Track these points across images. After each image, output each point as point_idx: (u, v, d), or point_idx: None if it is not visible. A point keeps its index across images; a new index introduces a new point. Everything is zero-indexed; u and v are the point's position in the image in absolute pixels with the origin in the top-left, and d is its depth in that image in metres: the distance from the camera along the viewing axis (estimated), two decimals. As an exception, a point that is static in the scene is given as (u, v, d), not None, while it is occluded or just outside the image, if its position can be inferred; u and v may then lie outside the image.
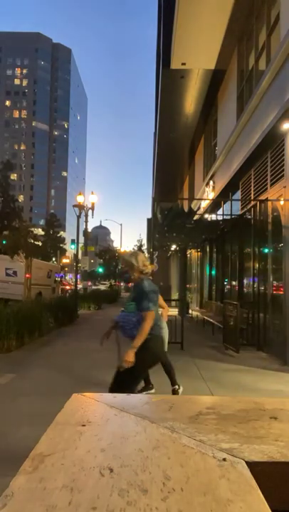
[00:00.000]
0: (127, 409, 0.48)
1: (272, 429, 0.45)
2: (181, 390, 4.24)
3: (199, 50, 9.94)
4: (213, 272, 13.12)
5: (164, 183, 21.91)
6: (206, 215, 12.15)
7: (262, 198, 7.62)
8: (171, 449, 0.38)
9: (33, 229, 17.56)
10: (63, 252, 57.18)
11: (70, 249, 52.61)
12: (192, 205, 14.89)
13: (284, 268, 6.29)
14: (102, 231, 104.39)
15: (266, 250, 7.51)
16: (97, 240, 40.70)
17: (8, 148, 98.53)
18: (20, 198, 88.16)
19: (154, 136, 21.04)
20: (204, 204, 13.66)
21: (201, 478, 0.33)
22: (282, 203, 6.53)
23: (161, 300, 4.31)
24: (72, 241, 28.12)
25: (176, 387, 4.24)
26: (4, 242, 15.75)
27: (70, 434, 0.41)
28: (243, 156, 8.40)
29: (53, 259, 46.87)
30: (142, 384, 4.39)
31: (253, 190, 8.42)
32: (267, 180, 7.42)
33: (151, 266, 2.97)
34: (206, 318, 10.73)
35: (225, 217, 10.29)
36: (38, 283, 16.86)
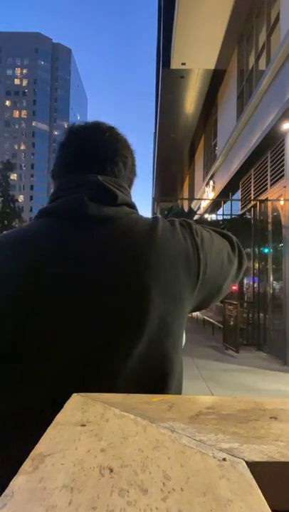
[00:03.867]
0: (127, 409, 0.48)
1: (272, 429, 0.45)
2: None
3: (199, 50, 9.94)
4: (213, 272, 13.11)
5: (164, 183, 21.91)
6: (206, 215, 12.15)
7: (262, 198, 7.62)
8: (171, 449, 0.38)
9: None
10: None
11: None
12: (192, 205, 14.90)
13: (284, 268, 6.29)
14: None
15: (266, 250, 7.51)
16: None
17: (8, 148, 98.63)
18: (20, 198, 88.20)
19: (154, 136, 21.04)
20: (204, 204, 13.67)
21: (201, 478, 0.33)
22: (282, 203, 6.54)
23: None
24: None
25: None
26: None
27: (70, 434, 0.41)
28: (243, 156, 8.41)
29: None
30: None
31: (253, 190, 8.43)
32: (267, 180, 7.42)
33: None
34: (206, 318, 10.73)
35: (225, 217, 10.29)
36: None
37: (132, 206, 0.73)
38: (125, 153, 0.78)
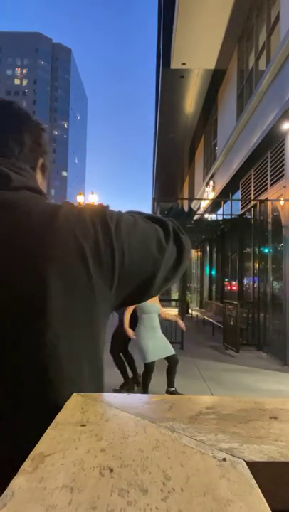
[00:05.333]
0: (127, 409, 0.48)
1: (272, 429, 0.45)
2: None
3: (199, 50, 9.95)
4: (213, 272, 13.12)
5: (164, 183, 21.92)
6: (206, 215, 12.16)
7: (262, 198, 7.62)
8: (171, 448, 0.38)
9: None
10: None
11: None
12: (192, 205, 14.90)
13: (284, 268, 6.29)
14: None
15: (266, 250, 7.51)
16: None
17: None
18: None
19: (154, 136, 21.05)
20: (204, 204, 13.67)
21: (201, 478, 0.33)
22: (282, 203, 6.54)
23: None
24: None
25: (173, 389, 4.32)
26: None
27: (70, 434, 0.41)
28: (243, 156, 8.41)
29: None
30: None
31: (253, 190, 8.43)
32: (267, 180, 7.42)
33: None
34: (206, 318, 10.73)
35: (225, 217, 10.30)
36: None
37: (37, 191, 0.65)
38: (21, 131, 0.69)
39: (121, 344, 4.60)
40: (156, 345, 4.15)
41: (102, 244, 0.59)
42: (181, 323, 4.80)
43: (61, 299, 0.55)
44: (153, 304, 4.27)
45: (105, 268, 0.59)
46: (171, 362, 4.27)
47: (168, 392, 4.26)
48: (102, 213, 0.63)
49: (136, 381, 4.63)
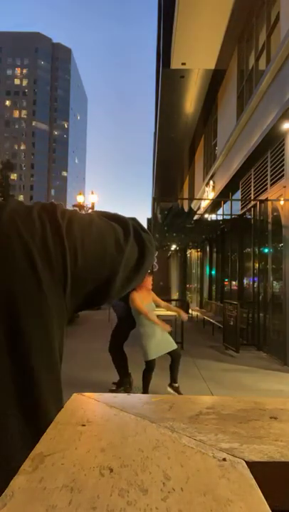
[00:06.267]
0: (127, 409, 0.48)
1: (272, 429, 0.45)
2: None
3: (199, 50, 9.94)
4: (213, 272, 13.12)
5: (164, 183, 21.92)
6: (206, 215, 12.16)
7: (262, 198, 7.62)
8: (171, 448, 0.38)
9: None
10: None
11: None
12: (192, 205, 14.90)
13: (284, 268, 6.29)
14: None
15: (266, 250, 7.51)
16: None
17: (8, 148, 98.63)
18: (20, 198, 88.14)
19: (154, 136, 21.05)
20: (204, 204, 13.67)
21: (201, 478, 0.33)
22: (282, 203, 6.54)
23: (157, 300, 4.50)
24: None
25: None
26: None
27: (70, 434, 0.41)
28: (243, 156, 8.41)
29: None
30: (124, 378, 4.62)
31: (253, 190, 8.43)
32: (267, 180, 7.42)
33: None
34: (206, 318, 10.73)
35: (225, 217, 10.30)
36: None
37: None
38: None
39: (118, 342, 4.61)
40: (156, 343, 4.16)
41: (52, 243, 0.55)
42: (184, 315, 4.88)
43: (4, 303, 0.51)
44: (148, 303, 4.27)
45: (56, 270, 0.55)
46: (174, 356, 4.26)
47: (171, 387, 4.25)
48: (51, 210, 0.59)
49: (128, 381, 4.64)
